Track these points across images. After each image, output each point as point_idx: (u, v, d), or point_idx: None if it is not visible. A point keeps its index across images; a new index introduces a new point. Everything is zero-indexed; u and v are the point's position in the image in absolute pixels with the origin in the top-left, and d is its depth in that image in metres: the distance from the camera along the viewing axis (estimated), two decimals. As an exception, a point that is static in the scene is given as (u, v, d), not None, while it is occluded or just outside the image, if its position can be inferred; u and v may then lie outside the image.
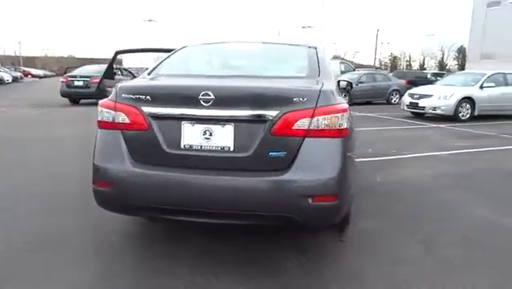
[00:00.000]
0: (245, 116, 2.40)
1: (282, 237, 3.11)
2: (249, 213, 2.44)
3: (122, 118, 2.55)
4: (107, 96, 4.34)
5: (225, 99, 2.40)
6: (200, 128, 2.45)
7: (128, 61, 21.18)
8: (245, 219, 2.51)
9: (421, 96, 11.91)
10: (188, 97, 2.46)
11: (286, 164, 2.39)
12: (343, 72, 18.88)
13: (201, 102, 2.40)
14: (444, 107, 11.25)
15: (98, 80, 14.59)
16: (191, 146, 2.47)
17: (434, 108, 11.46)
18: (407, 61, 66.00)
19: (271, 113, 2.38)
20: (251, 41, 3.49)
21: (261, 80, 2.76)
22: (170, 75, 3.01)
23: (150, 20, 59.50)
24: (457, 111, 11.22)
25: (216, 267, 2.64)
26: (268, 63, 3.29)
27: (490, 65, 35.58)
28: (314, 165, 2.39)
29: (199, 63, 3.44)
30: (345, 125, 2.45)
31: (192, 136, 2.46)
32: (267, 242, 3.04)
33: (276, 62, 3.32)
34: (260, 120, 2.39)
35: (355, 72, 19.05)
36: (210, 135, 2.44)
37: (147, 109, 2.49)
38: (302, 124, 2.37)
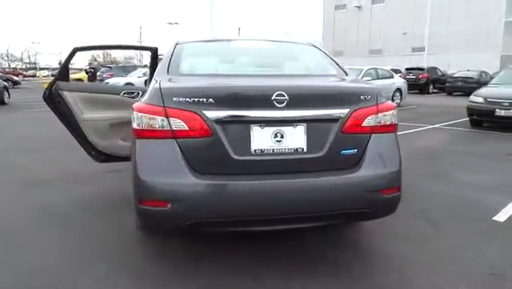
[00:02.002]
0: (318, 116, 2.35)
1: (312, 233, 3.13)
2: (327, 214, 2.41)
3: (177, 125, 2.23)
4: (59, 102, 3.70)
5: (298, 99, 2.31)
6: (270, 130, 2.31)
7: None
8: (321, 220, 2.47)
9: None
10: (259, 98, 2.28)
11: (357, 160, 2.43)
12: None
13: (275, 103, 2.26)
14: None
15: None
16: (262, 150, 2.30)
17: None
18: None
19: (342, 111, 2.38)
20: (255, 39, 3.36)
21: (316, 79, 2.71)
22: (208, 74, 2.75)
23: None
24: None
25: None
26: (296, 62, 3.24)
27: (340, 60, 40.80)
28: (382, 160, 2.48)
29: (227, 62, 3.16)
30: (396, 120, 2.60)
31: (262, 139, 2.30)
32: (307, 242, 3.01)
33: (302, 60, 3.27)
34: (332, 118, 2.37)
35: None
36: (282, 137, 2.32)
37: (210, 113, 2.23)
38: (369, 120, 2.43)
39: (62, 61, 3.83)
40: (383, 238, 3.14)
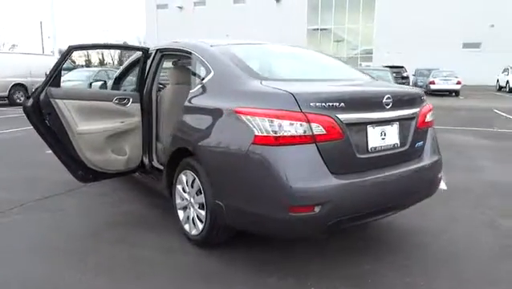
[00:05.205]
0: (405, 115, 2.77)
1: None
2: (416, 197, 2.87)
3: (316, 129, 2.31)
4: (49, 113, 3.11)
5: (397, 101, 2.66)
6: (378, 129, 2.60)
7: None
8: (412, 203, 2.89)
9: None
10: (374, 101, 2.56)
11: (421, 151, 2.93)
12: (65, 69, 17.04)
13: (384, 105, 2.57)
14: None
15: None
16: (375, 148, 2.58)
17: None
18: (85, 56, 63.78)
19: (416, 110, 2.86)
20: (282, 44, 3.51)
21: (381, 83, 3.08)
22: (296, 79, 2.83)
23: None
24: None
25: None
26: (343, 67, 3.48)
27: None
28: (434, 150, 3.04)
29: (291, 66, 3.17)
30: None
31: (374, 138, 2.58)
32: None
33: (342, 65, 3.52)
34: (412, 117, 2.82)
35: (85, 69, 17.59)
36: (384, 135, 2.64)
37: (342, 117, 2.39)
38: (428, 117, 2.98)
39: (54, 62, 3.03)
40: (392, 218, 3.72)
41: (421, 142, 2.91)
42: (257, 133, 2.31)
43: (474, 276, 2.63)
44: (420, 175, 2.84)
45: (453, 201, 4.15)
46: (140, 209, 3.81)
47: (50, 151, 3.35)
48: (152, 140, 3.69)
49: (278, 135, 2.26)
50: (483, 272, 2.68)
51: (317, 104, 2.33)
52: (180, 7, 43.93)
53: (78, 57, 57.50)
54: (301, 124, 2.27)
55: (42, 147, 3.83)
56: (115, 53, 64.36)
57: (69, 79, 14.06)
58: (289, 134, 2.27)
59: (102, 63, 59.44)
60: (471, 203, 4.05)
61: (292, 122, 2.27)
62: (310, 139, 2.30)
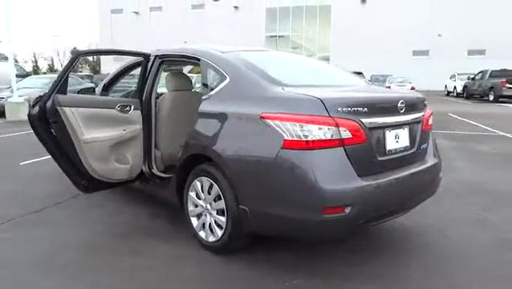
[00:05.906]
0: (414, 119, 2.93)
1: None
2: (425, 196, 3.02)
3: (343, 133, 2.40)
4: (55, 122, 3.03)
5: (408, 105, 2.82)
6: (393, 133, 2.74)
7: None
8: (421, 202, 3.03)
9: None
10: (391, 106, 2.70)
11: (425, 153, 3.11)
12: (18, 76, 16.19)
13: (399, 110, 2.72)
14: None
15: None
16: (391, 150, 2.72)
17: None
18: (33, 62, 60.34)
19: (421, 114, 3.04)
20: (281, 51, 3.54)
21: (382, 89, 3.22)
22: (312, 85, 2.90)
23: None
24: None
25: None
26: (343, 72, 3.58)
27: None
28: (434, 152, 3.23)
29: (300, 73, 3.27)
30: None
31: (391, 141, 2.72)
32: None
33: (339, 71, 3.64)
34: (419, 120, 2.99)
35: (41, 76, 16.75)
36: (398, 138, 2.78)
37: (366, 121, 2.50)
38: (430, 120, 3.17)
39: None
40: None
41: (425, 144, 3.09)
42: (286, 138, 2.37)
43: (473, 270, 2.83)
44: (425, 175, 3.00)
45: (441, 200, 4.40)
46: (140, 218, 3.71)
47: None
48: (151, 148, 3.63)
49: (309, 139, 2.33)
50: (479, 267, 2.88)
51: (344, 109, 2.42)
52: (136, 12, 43.04)
53: (23, 63, 54.54)
54: (329, 128, 2.36)
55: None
56: (66, 59, 61.86)
57: (25, 86, 13.40)
58: (318, 138, 2.35)
59: (52, 69, 56.75)
60: (458, 201, 4.32)
61: (321, 126, 2.35)
62: (339, 142, 2.39)
